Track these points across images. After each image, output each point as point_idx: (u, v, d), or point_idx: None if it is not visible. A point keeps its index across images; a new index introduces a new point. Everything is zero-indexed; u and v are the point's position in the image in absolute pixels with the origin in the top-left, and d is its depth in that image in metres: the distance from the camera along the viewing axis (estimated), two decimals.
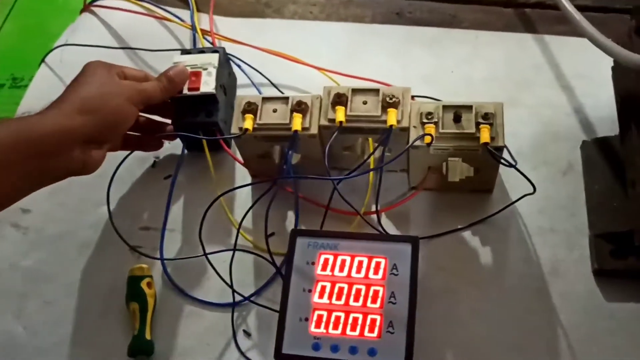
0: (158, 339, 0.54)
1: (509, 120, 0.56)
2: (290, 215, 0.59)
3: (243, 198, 0.60)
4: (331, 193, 0.54)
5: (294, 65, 0.64)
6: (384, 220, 0.57)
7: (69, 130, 0.48)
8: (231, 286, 0.54)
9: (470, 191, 0.57)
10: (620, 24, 0.57)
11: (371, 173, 0.55)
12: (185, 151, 0.62)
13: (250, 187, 0.60)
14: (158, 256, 0.57)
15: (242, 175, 0.61)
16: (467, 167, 0.53)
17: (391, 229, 0.56)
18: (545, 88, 0.62)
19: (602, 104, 0.58)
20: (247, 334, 0.54)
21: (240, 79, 0.66)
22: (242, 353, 0.53)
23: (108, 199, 0.56)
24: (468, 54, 0.65)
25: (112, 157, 0.57)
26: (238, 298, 0.54)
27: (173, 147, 0.63)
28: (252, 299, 0.55)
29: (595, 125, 0.59)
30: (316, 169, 0.55)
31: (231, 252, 0.54)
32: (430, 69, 0.65)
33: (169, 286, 0.57)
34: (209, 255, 0.54)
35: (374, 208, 0.55)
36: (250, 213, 0.58)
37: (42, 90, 0.70)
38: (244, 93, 0.64)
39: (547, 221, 0.55)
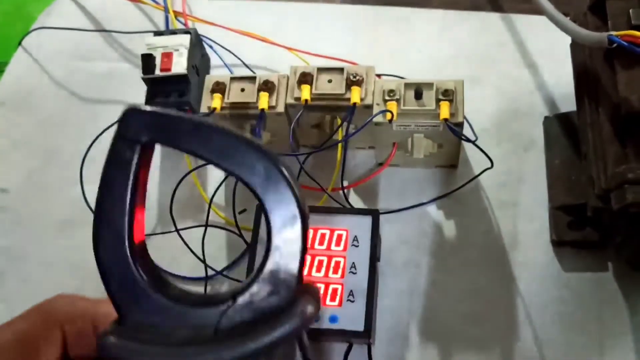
0: None
1: (473, 98, 0.57)
2: None
3: (215, 175, 0.62)
4: (299, 170, 0.56)
5: (266, 45, 0.65)
6: (352, 196, 0.59)
7: None
8: (204, 261, 0.56)
9: (435, 167, 0.59)
10: (584, 2, 0.59)
11: (339, 152, 0.56)
12: None
13: None
14: None
15: None
16: (431, 143, 0.55)
17: (359, 204, 0.58)
18: (509, 65, 0.63)
19: (564, 81, 0.59)
20: None
21: (214, 60, 0.67)
22: None
23: (81, 178, 0.57)
24: (435, 33, 0.66)
25: (85, 137, 0.58)
26: (211, 272, 0.56)
27: None
28: (224, 273, 0.57)
29: (557, 102, 0.61)
30: (287, 148, 0.56)
31: (205, 228, 0.56)
32: (398, 49, 0.66)
33: None
34: (181, 231, 0.56)
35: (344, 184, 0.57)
36: (222, 190, 0.60)
37: (19, 75, 0.71)
38: (217, 74, 0.65)
39: (509, 195, 0.57)
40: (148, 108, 0.28)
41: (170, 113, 0.28)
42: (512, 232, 0.55)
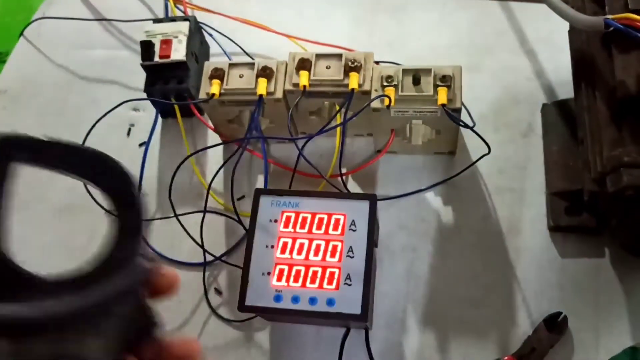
0: None
1: (472, 85, 0.57)
2: (261, 179, 0.61)
3: (215, 162, 0.62)
4: (297, 156, 0.56)
5: (265, 33, 0.66)
6: (351, 182, 0.59)
7: None
8: (202, 246, 0.56)
9: (433, 153, 0.59)
10: None
11: (338, 138, 0.56)
12: (159, 118, 0.64)
13: (222, 153, 0.62)
14: None
15: (215, 141, 0.63)
16: (429, 129, 0.55)
17: (357, 191, 0.58)
18: (508, 53, 0.63)
19: (562, 68, 0.59)
20: (218, 292, 0.56)
21: (213, 48, 0.68)
22: (213, 310, 0.55)
23: None
24: (434, 21, 0.66)
25: (85, 123, 0.59)
26: (209, 258, 0.57)
27: (147, 114, 0.65)
28: (222, 258, 0.57)
29: (555, 89, 0.61)
30: (285, 134, 0.57)
31: (204, 214, 0.56)
32: (397, 36, 0.66)
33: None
34: (180, 217, 0.57)
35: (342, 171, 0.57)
36: (221, 177, 0.60)
37: (20, 64, 0.72)
38: (216, 61, 0.66)
39: (507, 181, 0.57)
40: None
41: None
42: (509, 218, 0.55)
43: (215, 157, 0.62)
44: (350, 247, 0.48)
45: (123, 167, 0.28)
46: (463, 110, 0.53)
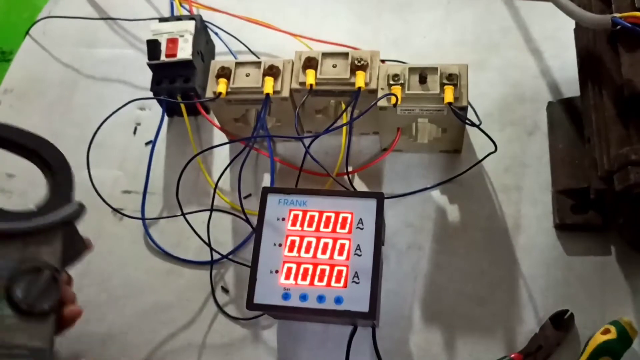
0: (140, 296, 0.56)
1: (478, 83, 0.58)
2: (267, 177, 0.61)
3: (221, 161, 0.62)
4: (304, 154, 0.56)
5: (270, 32, 0.66)
6: (357, 181, 0.59)
7: None
8: (209, 245, 0.56)
9: (439, 152, 0.59)
10: None
11: (344, 136, 0.56)
12: (166, 117, 0.64)
13: (228, 152, 0.62)
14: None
15: (221, 139, 0.63)
16: (435, 128, 0.55)
17: (363, 189, 0.59)
18: (514, 51, 0.63)
19: (568, 66, 0.60)
20: (225, 290, 0.57)
21: (219, 47, 0.68)
22: (220, 308, 0.56)
23: (88, 162, 0.58)
24: (439, 19, 0.66)
25: (90, 122, 0.59)
26: (216, 256, 0.57)
27: (154, 113, 0.65)
28: (229, 257, 0.57)
29: (561, 87, 0.61)
30: (292, 133, 0.57)
31: (210, 212, 0.56)
32: (403, 34, 0.66)
33: (151, 246, 0.59)
34: (187, 216, 0.57)
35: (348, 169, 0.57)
36: (228, 175, 0.60)
37: (26, 63, 0.72)
38: (223, 59, 0.66)
39: (512, 179, 0.57)
40: None
41: None
42: (515, 215, 0.56)
43: (221, 155, 0.62)
44: (358, 245, 0.48)
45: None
46: (469, 108, 0.53)
